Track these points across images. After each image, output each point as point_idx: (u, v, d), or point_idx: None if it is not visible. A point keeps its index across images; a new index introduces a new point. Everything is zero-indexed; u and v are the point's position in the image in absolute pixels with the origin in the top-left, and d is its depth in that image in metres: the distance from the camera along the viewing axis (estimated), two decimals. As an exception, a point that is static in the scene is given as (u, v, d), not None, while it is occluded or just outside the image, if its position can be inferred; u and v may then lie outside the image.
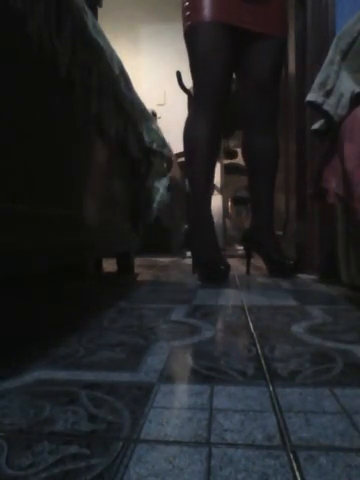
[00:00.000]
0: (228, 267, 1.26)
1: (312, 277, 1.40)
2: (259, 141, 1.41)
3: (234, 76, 1.44)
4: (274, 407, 0.37)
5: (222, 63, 1.31)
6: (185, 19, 1.35)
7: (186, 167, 1.40)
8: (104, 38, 0.92)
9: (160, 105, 3.58)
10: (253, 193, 1.48)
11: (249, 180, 1.50)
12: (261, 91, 1.37)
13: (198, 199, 1.36)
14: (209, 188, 1.40)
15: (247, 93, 1.41)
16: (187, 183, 1.41)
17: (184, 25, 1.35)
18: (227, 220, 3.22)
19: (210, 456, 0.29)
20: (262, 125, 1.40)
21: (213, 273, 1.25)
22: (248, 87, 1.40)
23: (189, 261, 1.58)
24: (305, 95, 1.17)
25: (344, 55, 1.02)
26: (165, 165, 1.63)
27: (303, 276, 1.42)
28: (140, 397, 0.39)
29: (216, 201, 3.01)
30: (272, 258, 1.39)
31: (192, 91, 1.53)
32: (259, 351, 0.54)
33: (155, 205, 1.55)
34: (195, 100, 1.38)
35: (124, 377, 0.45)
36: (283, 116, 1.77)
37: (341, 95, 1.01)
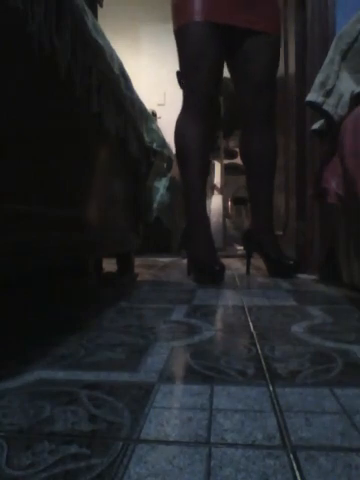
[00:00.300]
0: (223, 268, 1.25)
1: (312, 277, 1.40)
2: (256, 140, 1.39)
3: (228, 74, 1.43)
4: (274, 407, 0.37)
5: (211, 65, 1.29)
6: (174, 20, 1.33)
7: (179, 168, 1.40)
8: (104, 38, 0.92)
9: (160, 105, 3.57)
10: (252, 193, 1.47)
11: (247, 180, 1.49)
12: (257, 89, 1.35)
13: (193, 200, 1.35)
14: (203, 189, 1.39)
15: (243, 91, 1.39)
16: (181, 185, 1.40)
17: (173, 25, 1.33)
18: (227, 220, 3.22)
19: (210, 456, 0.29)
20: (259, 124, 1.38)
21: (208, 274, 1.24)
22: (244, 85, 1.38)
23: (189, 261, 1.58)
24: (305, 95, 1.17)
25: (344, 55, 1.02)
26: (165, 165, 1.63)
27: (303, 276, 1.42)
28: (140, 397, 0.39)
29: (216, 201, 3.01)
30: (272, 258, 1.39)
31: None
32: (259, 351, 0.54)
33: (155, 205, 1.55)
34: (185, 101, 1.36)
35: (124, 377, 0.45)
36: (283, 116, 1.77)
37: (341, 95, 1.01)
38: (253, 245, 1.46)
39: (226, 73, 1.43)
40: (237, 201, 3.53)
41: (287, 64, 1.81)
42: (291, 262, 1.39)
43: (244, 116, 1.42)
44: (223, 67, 1.38)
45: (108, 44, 0.95)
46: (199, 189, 1.35)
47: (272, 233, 1.43)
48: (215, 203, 2.98)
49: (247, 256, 1.52)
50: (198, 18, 1.26)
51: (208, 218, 1.39)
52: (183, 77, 1.35)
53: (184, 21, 1.29)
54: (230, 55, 1.37)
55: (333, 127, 1.05)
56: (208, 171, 1.43)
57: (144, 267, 1.80)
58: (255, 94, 1.36)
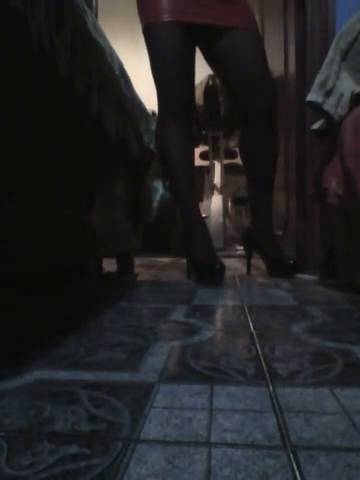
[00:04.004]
0: (223, 267, 1.24)
1: (312, 277, 1.40)
2: (256, 140, 1.35)
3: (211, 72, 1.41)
4: (274, 407, 0.37)
5: (181, 65, 1.27)
6: (140, 17, 1.30)
7: (165, 174, 1.39)
8: (104, 38, 0.92)
9: (160, 105, 3.57)
10: (251, 193, 1.46)
11: (247, 180, 1.48)
12: (249, 86, 1.29)
13: (185, 205, 1.34)
14: (193, 192, 1.38)
15: (235, 90, 1.34)
16: (171, 191, 1.40)
17: (141, 23, 1.29)
18: (227, 220, 3.22)
19: (210, 456, 0.29)
20: (258, 123, 1.33)
21: (208, 274, 1.23)
22: (235, 84, 1.33)
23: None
24: (305, 95, 1.17)
25: (344, 55, 1.02)
26: (164, 165, 1.62)
27: (303, 276, 1.42)
28: (140, 397, 0.39)
29: (216, 201, 3.01)
30: (272, 258, 1.39)
31: None
32: (259, 351, 0.54)
33: (154, 204, 1.55)
34: (159, 105, 1.34)
35: (124, 377, 0.45)
36: (283, 116, 1.77)
37: (341, 95, 1.01)
38: (253, 245, 1.46)
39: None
40: (237, 201, 3.53)
41: (287, 64, 1.81)
42: (291, 262, 1.39)
43: (242, 115, 1.38)
44: (194, 68, 1.33)
45: (108, 44, 0.95)
46: (190, 193, 1.34)
47: (272, 233, 1.43)
48: (215, 203, 2.98)
49: (247, 256, 1.52)
50: (165, 17, 1.22)
51: (203, 219, 1.38)
52: (154, 78, 1.31)
53: (150, 20, 1.25)
54: (208, 56, 1.33)
55: (333, 127, 1.05)
56: (193, 173, 1.40)
57: (144, 267, 1.80)
58: (248, 92, 1.30)
